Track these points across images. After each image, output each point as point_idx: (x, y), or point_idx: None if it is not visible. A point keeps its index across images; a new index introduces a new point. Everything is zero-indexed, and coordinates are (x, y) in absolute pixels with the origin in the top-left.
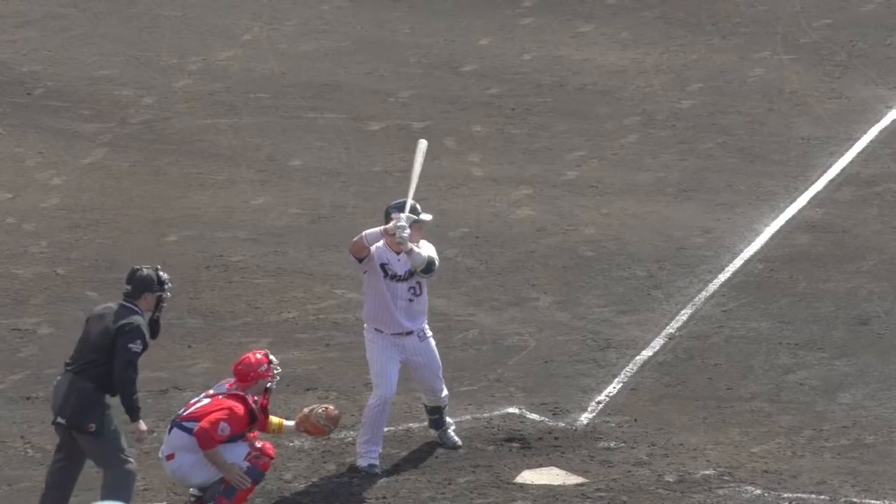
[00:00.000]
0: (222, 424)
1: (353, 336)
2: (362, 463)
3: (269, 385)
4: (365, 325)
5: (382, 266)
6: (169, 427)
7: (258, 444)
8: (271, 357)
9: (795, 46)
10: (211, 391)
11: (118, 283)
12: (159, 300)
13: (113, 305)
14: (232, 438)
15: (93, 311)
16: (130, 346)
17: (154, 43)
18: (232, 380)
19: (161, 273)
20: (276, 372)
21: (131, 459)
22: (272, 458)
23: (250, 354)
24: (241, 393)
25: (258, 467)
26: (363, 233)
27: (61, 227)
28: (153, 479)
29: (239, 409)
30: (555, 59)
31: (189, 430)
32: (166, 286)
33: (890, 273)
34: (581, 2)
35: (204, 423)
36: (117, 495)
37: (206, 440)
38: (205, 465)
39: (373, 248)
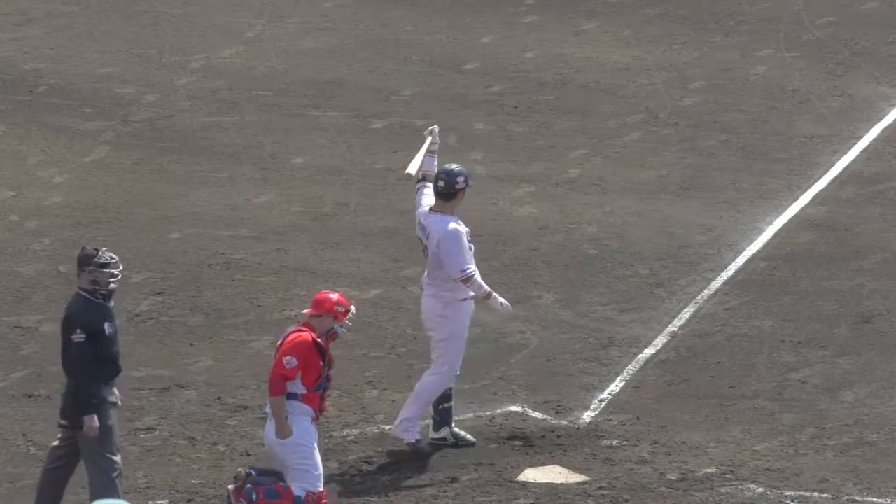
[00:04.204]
0: (286, 358)
1: (355, 334)
2: (409, 437)
3: (335, 327)
4: (446, 300)
5: (469, 241)
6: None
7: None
8: (352, 308)
9: (798, 44)
10: (279, 342)
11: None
12: (95, 280)
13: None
14: (316, 386)
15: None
16: (72, 337)
17: (156, 41)
18: (293, 328)
19: (102, 253)
20: (349, 319)
21: (118, 458)
22: None
23: (335, 292)
24: (306, 329)
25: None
26: (482, 285)
27: (63, 224)
28: (155, 477)
29: (303, 337)
30: (557, 56)
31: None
32: (102, 267)
33: (893, 271)
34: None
35: (272, 370)
36: (109, 493)
37: (274, 382)
38: (304, 450)
39: (464, 235)
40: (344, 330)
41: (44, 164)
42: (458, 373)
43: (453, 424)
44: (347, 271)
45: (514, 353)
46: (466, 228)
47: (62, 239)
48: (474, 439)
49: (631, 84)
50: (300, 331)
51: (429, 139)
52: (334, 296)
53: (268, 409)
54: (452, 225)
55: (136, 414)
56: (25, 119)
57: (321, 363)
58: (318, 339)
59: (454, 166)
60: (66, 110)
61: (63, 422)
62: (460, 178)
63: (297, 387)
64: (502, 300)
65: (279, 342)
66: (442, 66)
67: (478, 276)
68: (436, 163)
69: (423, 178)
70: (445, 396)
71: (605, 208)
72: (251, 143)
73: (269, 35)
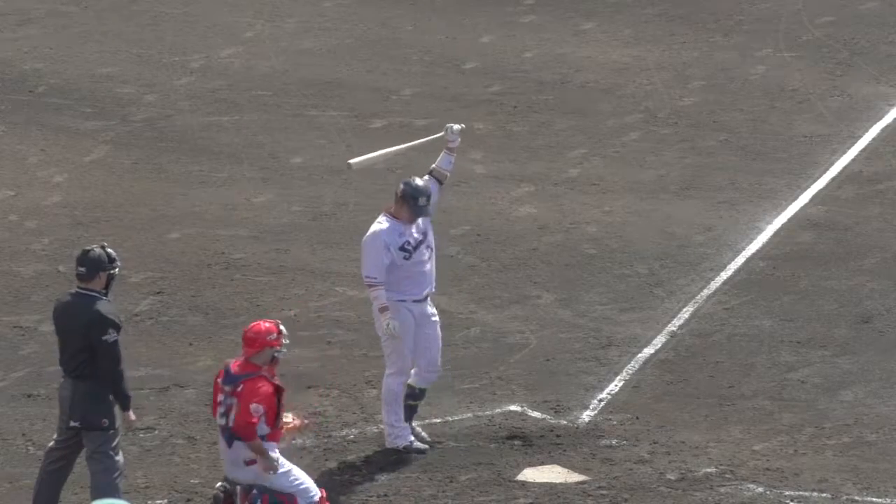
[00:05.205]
0: (253, 405)
1: (354, 333)
2: (401, 442)
3: (275, 354)
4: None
5: (402, 249)
6: (226, 440)
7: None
8: (281, 327)
9: (797, 44)
10: (227, 387)
11: (120, 282)
12: (110, 278)
13: (69, 297)
14: (276, 424)
15: (55, 307)
16: (104, 338)
17: (156, 40)
18: (233, 360)
19: (109, 250)
20: (284, 342)
21: (121, 458)
22: None
23: (261, 322)
24: (256, 372)
25: None
26: (379, 297)
27: (63, 224)
28: (154, 477)
29: (263, 386)
30: (556, 56)
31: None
32: (116, 262)
33: (892, 271)
34: None
35: (237, 418)
36: (111, 493)
37: (246, 430)
38: (287, 473)
39: (385, 243)
40: (284, 351)
41: (44, 164)
42: (441, 371)
43: (414, 424)
44: (346, 271)
45: (513, 352)
46: (416, 237)
47: (62, 239)
48: (427, 446)
49: (630, 84)
50: (252, 378)
51: (432, 137)
52: (262, 326)
53: (222, 448)
54: (376, 230)
55: (136, 413)
56: (25, 119)
57: (278, 404)
58: (277, 384)
59: (414, 179)
60: (65, 110)
61: (75, 423)
62: (401, 187)
63: (262, 428)
64: (390, 323)
65: (231, 387)
66: (441, 66)
67: (380, 290)
68: (452, 161)
69: (430, 173)
70: (412, 395)
71: (605, 208)
72: (250, 142)
73: (269, 35)
